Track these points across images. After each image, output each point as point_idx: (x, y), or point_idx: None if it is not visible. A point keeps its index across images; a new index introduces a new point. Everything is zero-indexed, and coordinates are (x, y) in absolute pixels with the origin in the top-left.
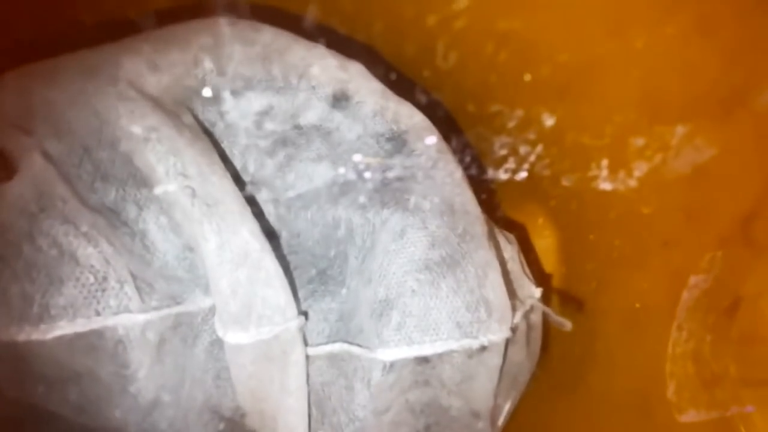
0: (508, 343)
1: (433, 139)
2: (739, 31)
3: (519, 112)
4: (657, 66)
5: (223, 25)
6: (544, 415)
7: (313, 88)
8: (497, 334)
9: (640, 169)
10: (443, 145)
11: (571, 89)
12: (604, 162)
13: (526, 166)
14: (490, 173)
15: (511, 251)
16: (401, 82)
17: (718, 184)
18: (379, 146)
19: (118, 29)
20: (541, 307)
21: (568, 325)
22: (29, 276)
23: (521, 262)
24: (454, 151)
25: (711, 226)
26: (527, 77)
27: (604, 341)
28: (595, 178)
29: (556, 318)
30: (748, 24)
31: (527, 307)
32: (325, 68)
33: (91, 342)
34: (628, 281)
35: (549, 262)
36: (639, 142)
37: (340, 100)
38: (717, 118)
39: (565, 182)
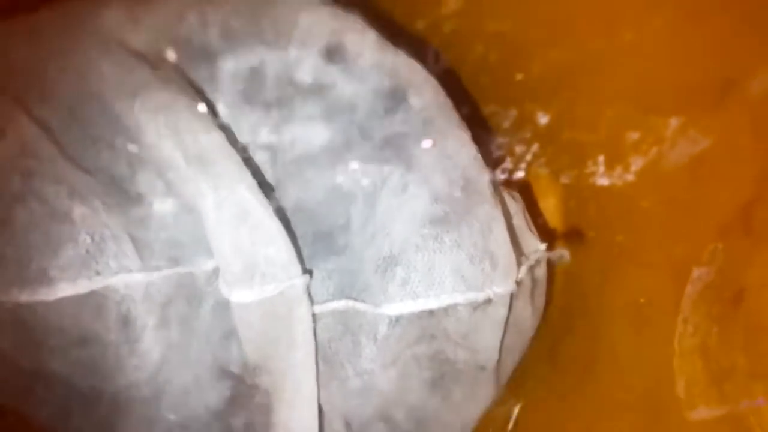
0: (512, 296)
1: (433, 91)
2: (727, 19)
3: (513, 112)
4: (647, 58)
5: None
6: (552, 416)
7: (305, 41)
8: (502, 287)
9: (636, 163)
10: (444, 98)
11: (564, 86)
12: (601, 158)
13: (523, 165)
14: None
15: (514, 207)
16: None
17: (715, 174)
18: (378, 101)
19: None
20: (545, 261)
21: (566, 255)
22: (24, 238)
23: (525, 218)
24: None
25: (711, 216)
26: (519, 76)
27: (609, 339)
28: (593, 174)
29: (556, 253)
30: (735, 12)
31: (532, 262)
32: (317, 18)
33: (94, 303)
34: (632, 277)
35: (553, 218)
36: (634, 135)
37: (334, 53)
38: (710, 107)
39: (563, 180)
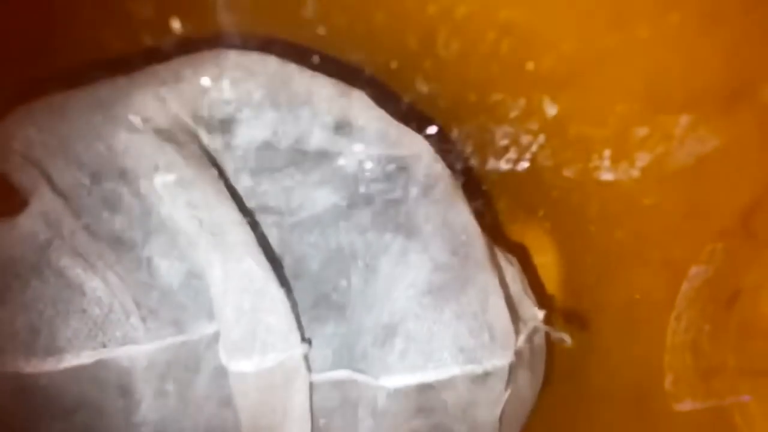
0: (512, 367)
1: (433, 162)
2: (743, 21)
3: (521, 102)
4: (661, 56)
5: (229, 56)
6: (543, 407)
7: (316, 114)
8: (501, 359)
9: (642, 159)
10: (444, 169)
11: (574, 79)
12: (607, 153)
13: (527, 156)
14: (492, 164)
15: (512, 272)
16: (402, 73)
17: (720, 176)
18: (381, 170)
19: (127, 64)
20: (543, 329)
21: (568, 340)
22: (36, 308)
23: (523, 283)
24: (456, 141)
25: (712, 217)
26: (530, 66)
27: (602, 333)
28: (597, 168)
29: (557, 334)
30: (752, 14)
31: (530, 330)
32: (328, 96)
33: (97, 373)
34: (628, 273)
35: (550, 277)
36: (642, 132)
37: (342, 126)
38: (720, 109)
39: (567, 173)
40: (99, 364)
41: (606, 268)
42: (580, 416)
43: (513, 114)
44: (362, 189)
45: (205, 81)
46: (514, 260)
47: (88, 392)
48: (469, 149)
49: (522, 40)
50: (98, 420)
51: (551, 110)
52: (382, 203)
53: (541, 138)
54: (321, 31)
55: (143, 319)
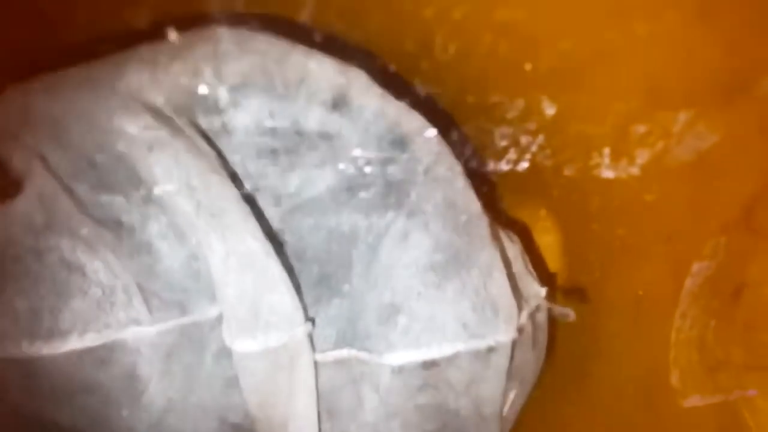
0: (514, 343)
1: (433, 140)
2: (741, 17)
3: (520, 102)
4: (659, 53)
5: (223, 34)
6: (549, 406)
7: (313, 93)
8: (504, 335)
9: (642, 156)
10: (444, 146)
11: (572, 78)
12: (606, 150)
13: (527, 156)
14: (492, 165)
15: (514, 250)
16: (400, 75)
17: (720, 171)
18: (381, 149)
19: (119, 42)
20: (545, 306)
21: (571, 314)
22: (37, 292)
23: (525, 261)
24: (455, 143)
25: (714, 212)
26: (528, 67)
27: (607, 331)
28: (598, 166)
29: (560, 309)
30: (749, 10)
31: (533, 307)
32: (324, 73)
33: (102, 355)
34: (632, 270)
35: (552, 257)
36: (641, 129)
37: (339, 104)
38: (719, 104)
39: (567, 172)
40: (103, 347)
41: (609, 265)
42: (587, 414)
43: (512, 114)
44: (362, 169)
45: (200, 60)
46: (516, 239)
47: (94, 375)
48: (468, 151)
49: (519, 41)
50: (105, 402)
51: (550, 110)
52: (382, 183)
53: (541, 138)
54: (317, 37)
55: (146, 301)
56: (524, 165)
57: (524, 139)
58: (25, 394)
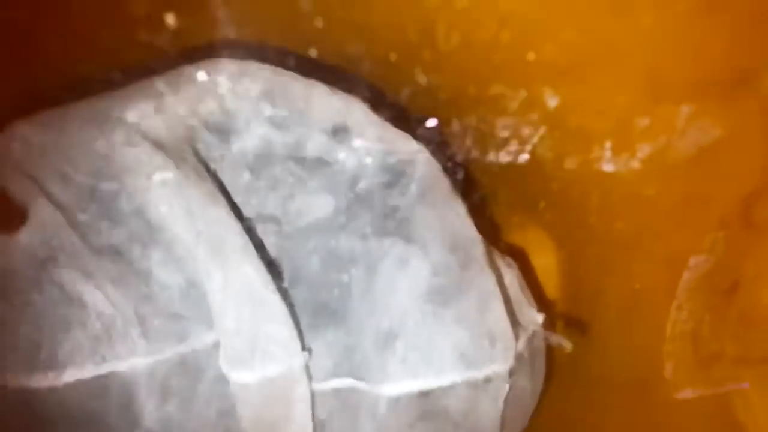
0: (512, 371)
1: (430, 166)
2: (746, 11)
3: (522, 94)
4: (663, 46)
5: (225, 65)
6: (543, 396)
7: (314, 122)
8: (501, 365)
9: (643, 150)
10: (441, 174)
11: (575, 69)
12: (608, 144)
13: (528, 148)
14: (492, 156)
15: (511, 276)
16: (402, 65)
17: (721, 166)
18: (378, 176)
19: (124, 76)
20: (542, 333)
21: (568, 345)
22: (38, 323)
23: (522, 287)
24: (456, 134)
25: (713, 207)
26: (530, 57)
27: (603, 323)
28: (598, 159)
29: (557, 339)
30: (755, 4)
31: (530, 334)
32: (325, 103)
33: (99, 387)
34: (629, 263)
35: (550, 282)
36: (643, 122)
37: (339, 132)
38: (723, 98)
39: (568, 165)
40: (101, 378)
41: (606, 259)
42: (581, 405)
43: (513, 106)
44: (360, 195)
45: (201, 90)
46: (513, 263)
47: (91, 406)
48: (469, 142)
49: (522, 30)
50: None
51: (552, 101)
52: (380, 209)
53: (542, 129)
54: (318, 23)
55: (144, 332)
56: (525, 157)
57: (525, 131)
58: (23, 424)
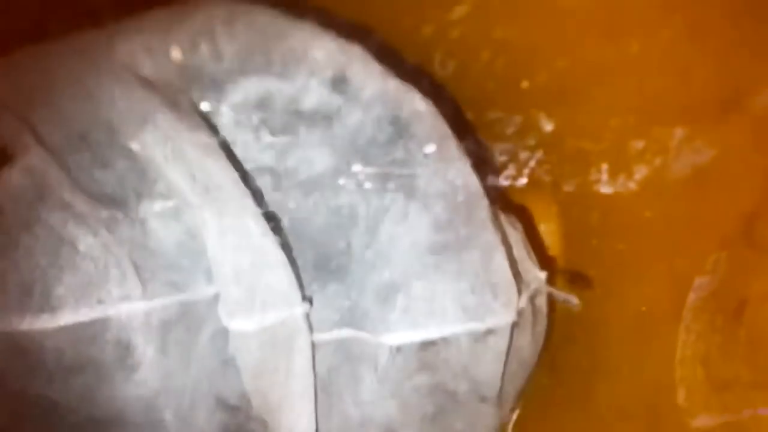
0: (513, 326)
1: (434, 120)
2: (731, 33)
3: (518, 119)
4: (653, 70)
5: (221, 7)
6: (551, 423)
7: (312, 72)
8: (503, 318)
9: (640, 172)
10: (446, 127)
11: (569, 95)
12: (604, 166)
13: (526, 172)
14: (491, 180)
15: (515, 235)
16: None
17: (719, 185)
18: (380, 130)
19: (114, 11)
20: (546, 290)
21: (575, 300)
22: (28, 265)
23: (526, 246)
24: None
25: (714, 227)
26: (525, 84)
27: (611, 349)
28: (596, 182)
29: (563, 295)
30: (740, 27)
31: (532, 291)
32: (324, 52)
33: (95, 331)
34: (633, 286)
35: (552, 245)
36: (638, 145)
37: (339, 83)
38: (715, 119)
39: (566, 188)
40: (96, 322)
41: (610, 282)
42: None
43: (510, 131)
44: (361, 149)
45: (196, 34)
46: (516, 222)
47: (86, 351)
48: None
49: (516, 58)
50: (97, 378)
51: (547, 126)
52: (382, 163)
53: (539, 154)
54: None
55: (140, 277)
56: (523, 181)
57: (523, 155)
58: (14, 369)
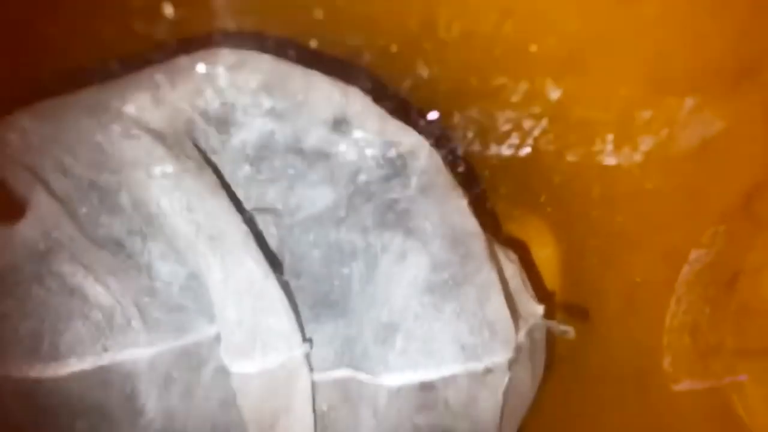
0: (511, 363)
1: (431, 159)
2: (750, 3)
3: (524, 86)
4: (666, 38)
5: (225, 55)
6: (543, 389)
7: (314, 113)
8: (501, 356)
9: (645, 143)
10: (442, 167)
11: (578, 61)
12: (610, 137)
13: (530, 141)
14: (494, 149)
15: (512, 269)
16: (402, 56)
17: (722, 159)
18: (379, 168)
19: (122, 67)
20: (543, 324)
21: (571, 332)
22: (39, 315)
23: (523, 280)
24: (458, 127)
25: (714, 200)
26: (532, 49)
27: (603, 316)
28: (600, 153)
29: (559, 327)
30: None
31: (530, 325)
32: (325, 94)
33: (101, 377)
34: (630, 257)
35: (550, 274)
36: (646, 115)
37: (339, 123)
38: (726, 91)
39: (570, 157)
40: (103, 369)
41: (607, 253)
42: (580, 397)
43: (515, 98)
44: (361, 187)
45: (200, 81)
46: (513, 256)
47: (93, 396)
48: (470, 134)
49: (524, 21)
50: (103, 424)
51: (554, 94)
52: (380, 201)
53: (544, 122)
54: (318, 14)
55: (145, 323)
56: (527, 150)
57: (527, 124)
58: (25, 415)
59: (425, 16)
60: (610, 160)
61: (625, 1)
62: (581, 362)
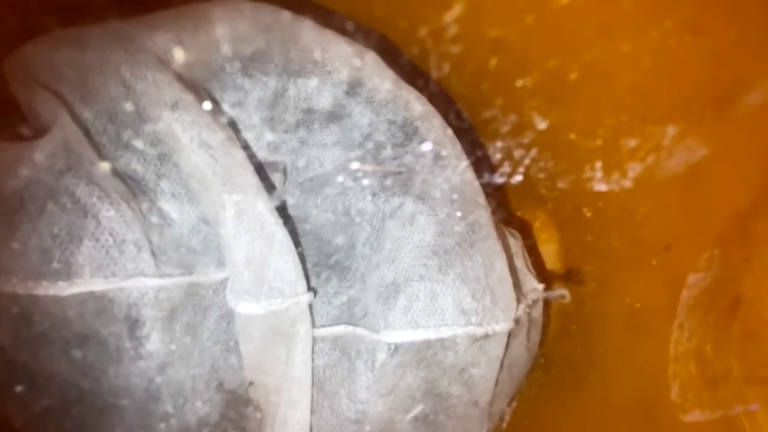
0: (509, 334)
1: (442, 128)
2: (725, 31)
3: (512, 118)
4: (646, 68)
5: (244, 7)
6: (546, 420)
7: (328, 73)
8: (501, 324)
9: (634, 169)
10: (452, 135)
11: (563, 94)
12: (598, 164)
13: (521, 169)
14: (486, 178)
15: (515, 245)
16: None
17: (713, 183)
18: (391, 133)
19: (142, 4)
20: (542, 299)
21: (567, 296)
22: (50, 232)
23: (525, 258)
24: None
25: (708, 224)
26: (519, 83)
27: (605, 343)
28: (590, 179)
29: (556, 293)
30: (734, 24)
31: (529, 301)
32: (341, 55)
33: (103, 303)
34: (628, 282)
35: (549, 259)
36: (632, 143)
37: (353, 86)
38: (708, 117)
39: (560, 185)
40: (107, 294)
41: (605, 278)
42: (586, 429)
43: (505, 129)
44: (372, 151)
45: (220, 34)
46: (517, 234)
47: (92, 323)
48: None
49: (511, 58)
50: (99, 352)
51: (542, 124)
52: (391, 166)
53: (534, 152)
54: (332, 16)
55: (154, 255)
56: (518, 178)
57: (518, 153)
58: (19, 335)
59: (416, 56)
60: (600, 187)
61: (603, 36)
62: (585, 394)
